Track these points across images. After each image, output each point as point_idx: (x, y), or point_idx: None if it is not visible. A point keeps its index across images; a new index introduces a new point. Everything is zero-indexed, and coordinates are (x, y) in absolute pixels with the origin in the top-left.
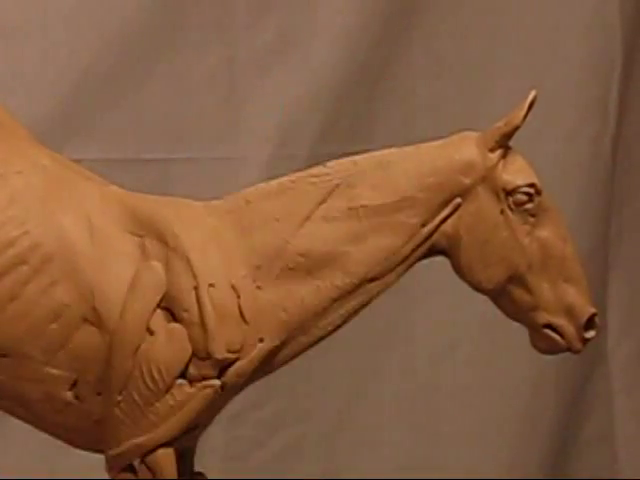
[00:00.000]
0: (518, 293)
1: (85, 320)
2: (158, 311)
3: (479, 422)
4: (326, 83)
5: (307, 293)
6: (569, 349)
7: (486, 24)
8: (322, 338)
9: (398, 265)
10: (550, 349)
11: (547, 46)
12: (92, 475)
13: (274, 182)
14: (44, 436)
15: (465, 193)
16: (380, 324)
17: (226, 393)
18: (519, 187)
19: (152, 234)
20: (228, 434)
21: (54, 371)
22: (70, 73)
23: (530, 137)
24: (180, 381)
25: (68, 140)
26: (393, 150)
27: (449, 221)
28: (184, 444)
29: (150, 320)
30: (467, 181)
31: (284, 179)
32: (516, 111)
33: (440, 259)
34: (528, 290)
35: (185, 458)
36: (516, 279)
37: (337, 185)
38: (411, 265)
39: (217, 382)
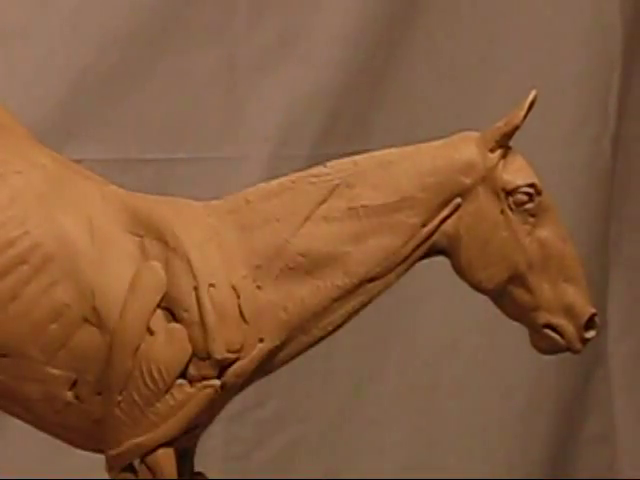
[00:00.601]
0: (518, 293)
1: (85, 320)
2: (158, 311)
3: (479, 422)
4: (326, 83)
5: (307, 293)
6: (569, 349)
7: (486, 24)
8: (322, 338)
9: (398, 265)
10: (550, 349)
11: (547, 46)
12: (92, 475)
13: (274, 182)
14: (44, 436)
15: (465, 193)
16: (380, 324)
17: (226, 393)
18: (519, 187)
19: (152, 234)
20: (228, 434)
21: (54, 371)
22: (70, 73)
23: (530, 137)
24: (180, 381)
25: (68, 140)
26: (393, 150)
27: (449, 221)
28: (184, 444)
29: (150, 320)
30: (467, 181)
31: (284, 179)
32: (516, 111)
33: (440, 259)
34: (528, 290)
35: (185, 458)
36: (516, 279)
37: (337, 185)
38: (411, 265)
39: (217, 382)
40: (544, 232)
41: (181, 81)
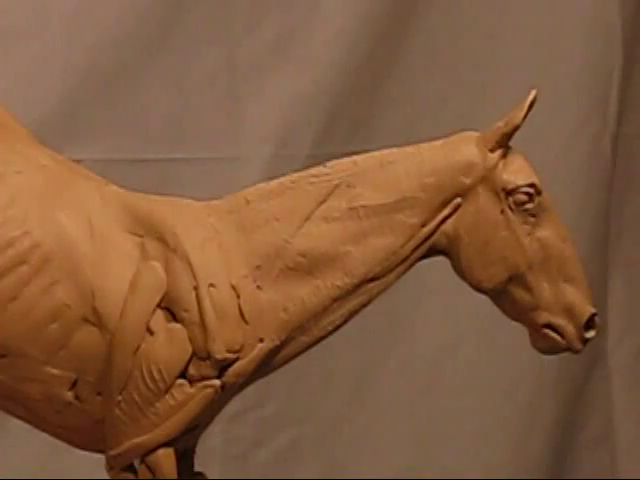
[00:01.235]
0: (518, 293)
1: (85, 320)
2: (158, 311)
3: (479, 422)
4: (326, 83)
5: (307, 293)
6: (569, 349)
7: (486, 24)
8: (322, 338)
9: (398, 265)
10: (550, 349)
11: (547, 46)
12: (92, 475)
13: (274, 182)
14: (44, 436)
15: (465, 193)
16: (380, 324)
17: (226, 393)
18: (519, 187)
19: (152, 234)
20: (228, 434)
21: (54, 371)
22: (70, 73)
23: (530, 137)
24: (180, 381)
25: (68, 140)
26: (393, 150)
27: (449, 221)
28: (184, 444)
29: (150, 320)
30: (467, 181)
31: (284, 179)
32: (516, 111)
33: (440, 259)
34: (528, 290)
35: (185, 458)
36: (516, 279)
37: (337, 185)
38: (411, 265)
39: (217, 382)
40: (544, 232)
41: (181, 81)
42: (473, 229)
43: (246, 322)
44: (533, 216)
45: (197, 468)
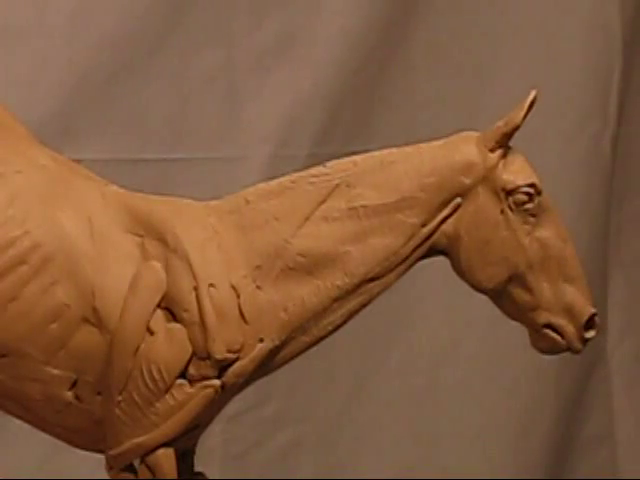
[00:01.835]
0: (518, 293)
1: (85, 320)
2: (158, 311)
3: (479, 422)
4: (326, 83)
5: (307, 293)
6: (569, 349)
7: (486, 24)
8: (322, 338)
9: (398, 265)
10: (550, 349)
11: (547, 46)
12: (92, 475)
13: (274, 182)
14: (44, 436)
15: (465, 193)
16: (380, 324)
17: (226, 393)
18: (519, 187)
19: (152, 234)
20: (228, 434)
21: (54, 371)
22: (70, 73)
23: (530, 137)
24: (180, 381)
25: (68, 140)
26: (393, 150)
27: (449, 221)
28: (184, 444)
29: (150, 320)
30: (467, 181)
31: (284, 179)
32: (516, 111)
33: (440, 259)
34: (528, 290)
35: (185, 458)
36: (516, 279)
37: (337, 185)
38: (411, 265)
39: (217, 382)
40: (544, 232)
41: (181, 81)
42: (473, 229)
43: (246, 322)
44: (533, 216)
45: (197, 468)
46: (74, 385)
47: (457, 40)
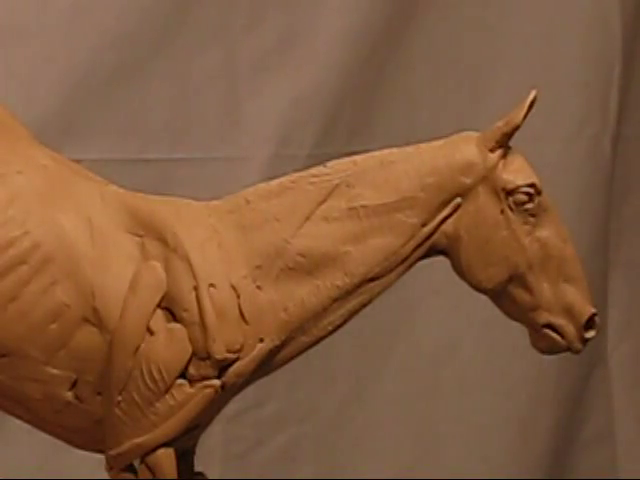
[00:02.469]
0: (518, 293)
1: (85, 320)
2: (158, 311)
3: (479, 422)
4: (326, 83)
5: (307, 293)
6: (569, 349)
7: (486, 24)
8: (322, 338)
9: (398, 265)
10: (550, 349)
11: (547, 46)
12: (92, 475)
13: (274, 182)
14: (44, 436)
15: (465, 193)
16: (380, 324)
17: (226, 393)
18: (519, 187)
19: (152, 234)
20: (228, 434)
21: (54, 371)
22: (70, 73)
23: (530, 137)
24: (180, 381)
25: (68, 140)
26: (393, 150)
27: (449, 221)
28: (184, 444)
29: (150, 320)
30: (467, 181)
31: (284, 179)
32: (516, 111)
33: (440, 259)
34: (528, 290)
35: (185, 458)
36: (516, 279)
37: (337, 185)
38: (411, 265)
39: (217, 382)
40: (544, 232)
41: (181, 81)
42: (473, 229)
43: (246, 322)
44: (533, 216)
45: (197, 468)
46: (74, 385)
47: (457, 40)
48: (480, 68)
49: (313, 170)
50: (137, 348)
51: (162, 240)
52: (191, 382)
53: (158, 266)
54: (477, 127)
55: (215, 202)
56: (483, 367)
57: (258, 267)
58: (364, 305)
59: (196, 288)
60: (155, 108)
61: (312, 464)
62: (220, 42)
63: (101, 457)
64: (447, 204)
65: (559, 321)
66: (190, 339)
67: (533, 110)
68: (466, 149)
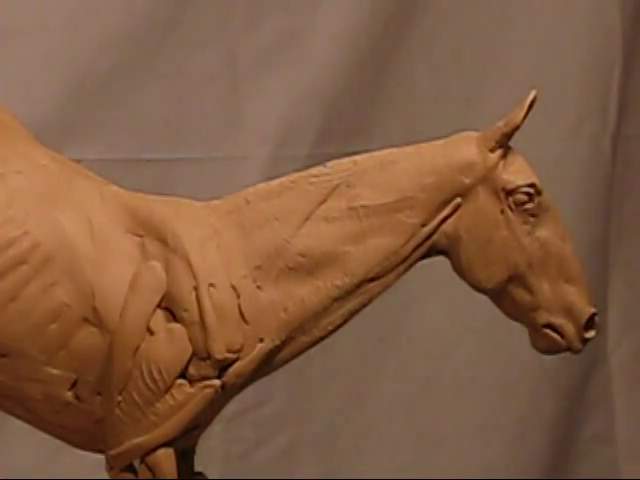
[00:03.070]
0: (518, 293)
1: (85, 320)
2: (158, 311)
3: (479, 422)
4: (326, 83)
5: (307, 293)
6: (569, 349)
7: (486, 25)
8: (322, 338)
9: (398, 265)
10: (550, 349)
11: (547, 46)
12: (92, 475)
13: (274, 182)
14: (44, 436)
15: (465, 193)
16: (380, 324)
17: (226, 393)
18: (519, 187)
19: (152, 234)
20: (228, 434)
21: (54, 371)
22: (70, 73)
23: (530, 137)
24: (180, 381)
25: (68, 140)
26: (393, 150)
27: (449, 221)
28: (184, 444)
29: (150, 320)
30: (467, 181)
31: (284, 179)
32: (516, 111)
33: (440, 259)
34: (528, 290)
35: (185, 458)
36: (516, 279)
37: (337, 185)
38: (411, 265)
39: (217, 382)
40: (544, 232)
41: (181, 81)
42: (473, 229)
43: (246, 322)
44: (533, 216)
45: (197, 468)
46: (74, 385)
47: (457, 40)
48: (480, 68)
49: (313, 170)
50: (137, 348)
51: (162, 240)
52: (191, 382)
53: (158, 266)
54: (477, 127)
55: (215, 202)
56: (483, 367)
57: (258, 267)
58: (364, 305)
59: (196, 288)
60: (155, 108)
61: (312, 464)
62: (220, 42)
63: (101, 457)
64: (447, 204)
65: (559, 321)
66: (190, 339)
67: (533, 110)
68: (466, 149)
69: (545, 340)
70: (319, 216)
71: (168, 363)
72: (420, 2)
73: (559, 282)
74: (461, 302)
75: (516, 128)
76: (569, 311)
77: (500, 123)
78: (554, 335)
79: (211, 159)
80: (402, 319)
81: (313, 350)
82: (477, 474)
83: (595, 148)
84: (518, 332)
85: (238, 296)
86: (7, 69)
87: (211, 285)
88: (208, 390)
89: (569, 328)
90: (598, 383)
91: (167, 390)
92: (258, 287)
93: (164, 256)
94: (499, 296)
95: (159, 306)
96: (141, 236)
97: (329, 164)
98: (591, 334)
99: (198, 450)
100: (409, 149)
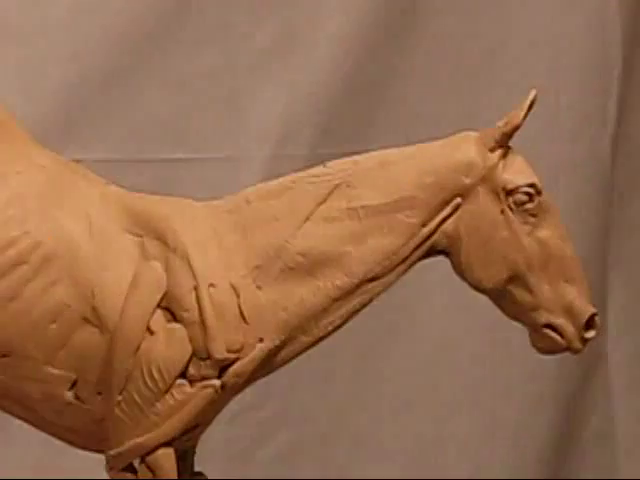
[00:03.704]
0: (518, 293)
1: (85, 320)
2: (158, 311)
3: (479, 422)
4: (326, 83)
5: (307, 293)
6: (569, 349)
7: (486, 25)
8: (322, 338)
9: (398, 265)
10: (550, 349)
11: (547, 46)
12: (92, 475)
13: (274, 182)
14: (44, 436)
15: (465, 193)
16: (380, 324)
17: (226, 393)
18: (519, 187)
19: (152, 234)
20: (228, 434)
21: (54, 371)
22: (70, 73)
23: (530, 137)
24: (180, 381)
25: (68, 140)
26: (393, 150)
27: (449, 221)
28: (184, 444)
29: (150, 320)
30: (467, 181)
31: (284, 179)
32: (516, 111)
33: (440, 259)
34: (528, 290)
35: (185, 458)
36: (516, 279)
37: (337, 185)
38: (411, 265)
39: (217, 382)
40: (544, 232)
41: (181, 81)
42: (473, 229)
43: (246, 322)
44: (533, 216)
45: (197, 468)
46: (74, 385)
47: (457, 40)
48: (480, 68)
49: (313, 170)
50: (137, 348)
51: (162, 240)
52: (191, 382)
53: (158, 266)
54: (477, 127)
55: (215, 202)
56: (482, 367)
57: (258, 267)
58: (364, 305)
59: (196, 288)
60: (155, 108)
61: (312, 464)
62: (220, 42)
63: (101, 457)
64: (447, 204)
65: (559, 321)
66: (190, 339)
67: (533, 110)
68: (466, 149)
69: (545, 340)
70: (319, 216)
71: (168, 363)
72: (420, 2)
73: (559, 282)
74: (461, 302)
75: (516, 128)
76: (569, 311)
77: (500, 123)
78: (554, 335)
79: (211, 159)
80: (402, 319)
81: (313, 350)
82: (477, 474)
83: (595, 148)
84: (518, 332)
85: (238, 296)
86: (7, 69)
87: (211, 285)
88: (208, 390)
89: (569, 328)
90: (598, 383)
91: (167, 390)
92: (258, 287)
93: (164, 256)
94: (499, 296)
95: (159, 306)
96: (141, 236)
97: (329, 164)
98: (591, 334)
99: (198, 450)
100: (409, 149)
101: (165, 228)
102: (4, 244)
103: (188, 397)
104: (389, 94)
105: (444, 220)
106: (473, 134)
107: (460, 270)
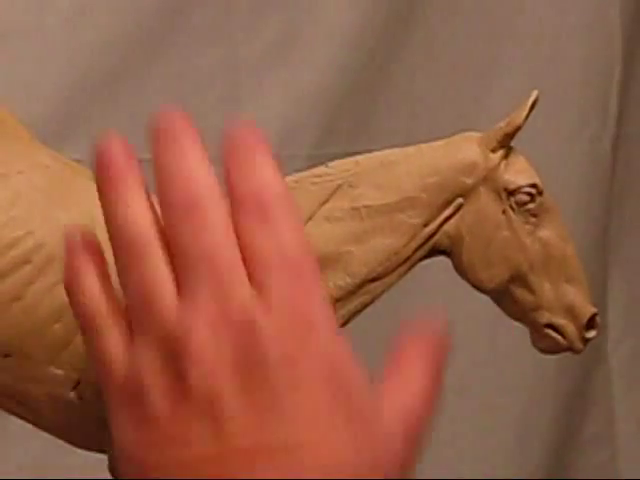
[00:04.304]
0: (520, 293)
1: None
2: None
3: (478, 422)
4: (327, 83)
5: None
6: (570, 349)
7: (486, 25)
8: None
9: (400, 265)
10: (551, 349)
11: (547, 46)
12: (92, 475)
13: None
14: (44, 436)
15: (467, 193)
16: (380, 324)
17: None
18: (521, 187)
19: None
20: None
21: (57, 371)
22: (70, 73)
23: (530, 137)
24: None
25: (68, 140)
26: (395, 150)
27: (451, 221)
28: None
29: None
30: (469, 181)
31: (286, 179)
32: (518, 111)
33: (441, 259)
34: (530, 290)
35: None
36: (518, 279)
37: (340, 185)
38: (413, 265)
39: None
40: (546, 232)
41: (181, 81)
42: (475, 229)
43: None
44: (534, 216)
45: None
46: (77, 385)
47: (457, 40)
48: (480, 68)
49: (316, 170)
50: None
51: None
52: None
53: None
54: (478, 127)
55: None
56: (482, 367)
57: None
58: (366, 305)
59: None
60: (155, 108)
61: None
62: (220, 42)
63: (102, 457)
64: (449, 204)
65: (560, 321)
66: None
67: (533, 110)
68: (468, 149)
69: (546, 340)
70: (321, 216)
71: None
72: (420, 2)
73: (560, 282)
74: (461, 302)
75: (518, 128)
76: (570, 311)
77: (502, 123)
78: (555, 335)
79: (211, 159)
80: (402, 319)
81: None
82: (477, 474)
83: (595, 148)
84: (518, 332)
85: None
86: (7, 69)
87: None
88: None
89: (570, 328)
90: (598, 383)
91: None
92: None
93: None
94: (501, 296)
95: None
96: None
97: (331, 164)
98: (592, 334)
99: None
100: (411, 149)
101: None
102: (8, 244)
103: None
104: (390, 94)
105: (446, 220)
106: (475, 134)
107: (462, 270)
